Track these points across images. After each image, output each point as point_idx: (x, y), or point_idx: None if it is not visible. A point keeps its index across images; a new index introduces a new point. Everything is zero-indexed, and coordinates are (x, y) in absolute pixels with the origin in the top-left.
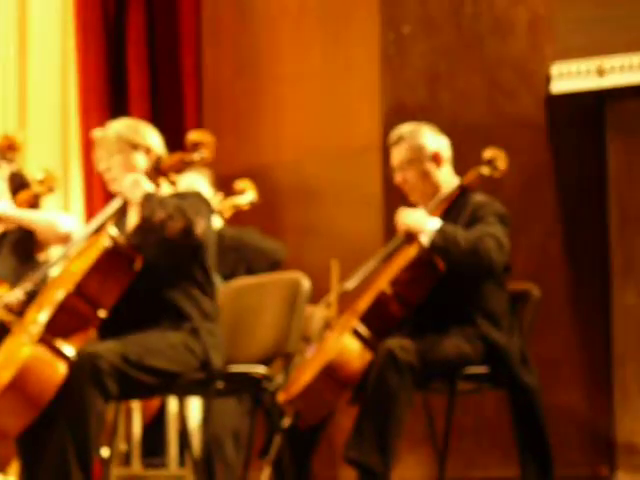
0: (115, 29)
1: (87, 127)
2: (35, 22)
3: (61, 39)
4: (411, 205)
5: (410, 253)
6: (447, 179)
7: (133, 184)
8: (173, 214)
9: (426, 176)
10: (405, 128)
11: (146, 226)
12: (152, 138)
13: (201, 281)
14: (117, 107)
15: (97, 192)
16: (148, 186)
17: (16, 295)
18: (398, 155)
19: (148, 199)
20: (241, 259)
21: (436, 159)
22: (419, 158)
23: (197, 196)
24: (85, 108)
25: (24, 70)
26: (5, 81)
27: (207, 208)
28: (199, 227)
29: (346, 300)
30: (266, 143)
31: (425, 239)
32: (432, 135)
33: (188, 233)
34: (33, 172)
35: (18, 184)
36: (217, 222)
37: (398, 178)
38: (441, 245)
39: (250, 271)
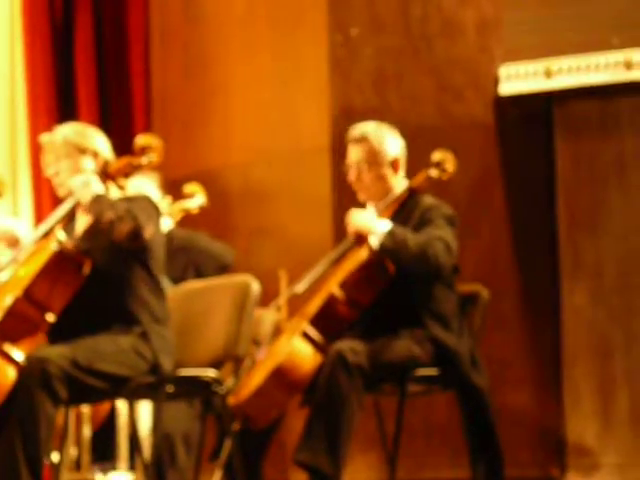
0: (63, 34)
1: (35, 132)
2: None
3: (9, 44)
4: (360, 206)
5: (360, 255)
6: (399, 182)
7: (83, 185)
8: (122, 216)
9: (381, 180)
10: (369, 128)
11: (95, 226)
12: (99, 142)
13: (150, 285)
14: (65, 112)
15: (46, 196)
16: (98, 187)
17: None
18: (357, 153)
19: (97, 200)
20: (190, 262)
21: (394, 165)
22: (378, 162)
23: (146, 200)
24: (33, 113)
25: None
26: None
27: (156, 212)
28: (147, 231)
29: (296, 303)
30: (215, 146)
31: (375, 241)
32: (394, 139)
33: (136, 236)
34: None
35: None
36: (167, 224)
37: (352, 175)
38: (390, 247)
39: (199, 274)
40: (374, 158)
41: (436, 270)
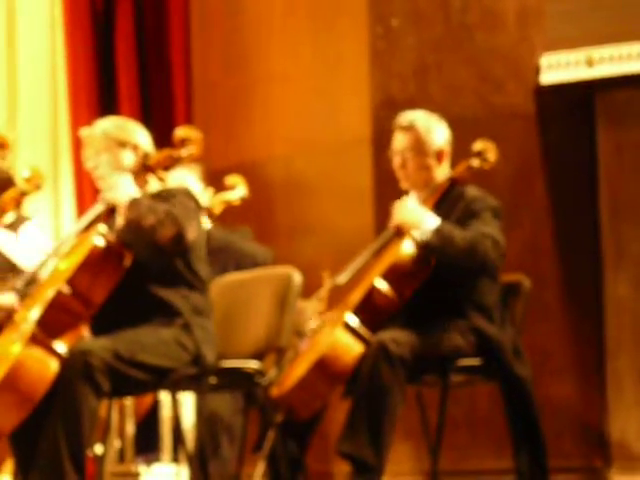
0: (104, 26)
1: (77, 125)
2: (23, 21)
3: (50, 37)
4: (401, 195)
5: (402, 247)
6: (442, 173)
7: (118, 186)
8: (163, 220)
9: (425, 169)
10: (418, 116)
11: (135, 230)
12: (139, 135)
13: (191, 277)
14: (107, 104)
15: (87, 189)
16: (133, 189)
17: (9, 298)
18: (404, 141)
19: (136, 203)
20: (230, 262)
21: (439, 156)
22: (424, 151)
23: (186, 195)
24: (75, 106)
25: (14, 69)
26: None
27: (196, 208)
28: (190, 233)
29: (337, 295)
30: (256, 138)
31: (420, 236)
32: (441, 130)
33: (179, 240)
34: (21, 170)
35: (3, 182)
36: (206, 222)
37: (397, 162)
38: (437, 245)
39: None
40: (420, 147)
41: (483, 267)
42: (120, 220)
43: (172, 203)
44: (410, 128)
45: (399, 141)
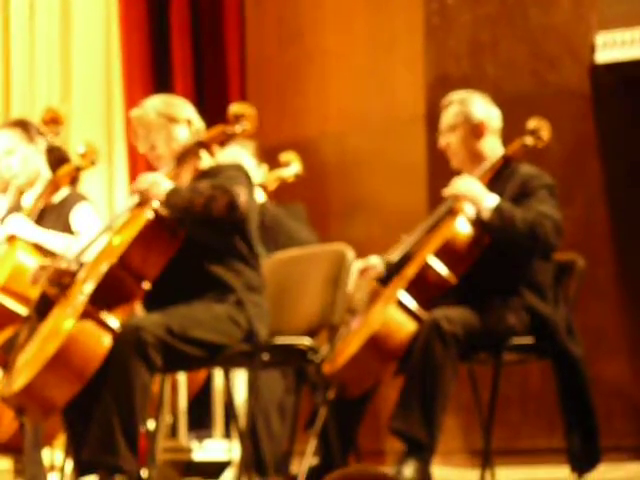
0: (158, 2)
1: (131, 101)
2: None
3: (104, 11)
4: (454, 172)
5: (456, 224)
6: (491, 149)
7: (152, 184)
8: (212, 194)
9: (467, 144)
10: (458, 94)
11: (189, 216)
12: (189, 111)
13: (245, 253)
14: (160, 80)
15: (141, 165)
16: (167, 183)
17: (68, 261)
18: (444, 119)
19: (176, 192)
20: (278, 241)
21: (479, 128)
22: (463, 125)
23: (236, 169)
24: (129, 81)
25: (67, 43)
26: (49, 54)
27: (246, 179)
28: (242, 198)
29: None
30: (311, 115)
31: (471, 210)
32: (482, 104)
33: (233, 206)
34: (75, 146)
35: (57, 158)
36: (260, 197)
37: (442, 142)
38: (497, 225)
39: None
40: (458, 121)
41: (544, 250)
42: None
43: (219, 177)
44: (449, 105)
45: (441, 121)
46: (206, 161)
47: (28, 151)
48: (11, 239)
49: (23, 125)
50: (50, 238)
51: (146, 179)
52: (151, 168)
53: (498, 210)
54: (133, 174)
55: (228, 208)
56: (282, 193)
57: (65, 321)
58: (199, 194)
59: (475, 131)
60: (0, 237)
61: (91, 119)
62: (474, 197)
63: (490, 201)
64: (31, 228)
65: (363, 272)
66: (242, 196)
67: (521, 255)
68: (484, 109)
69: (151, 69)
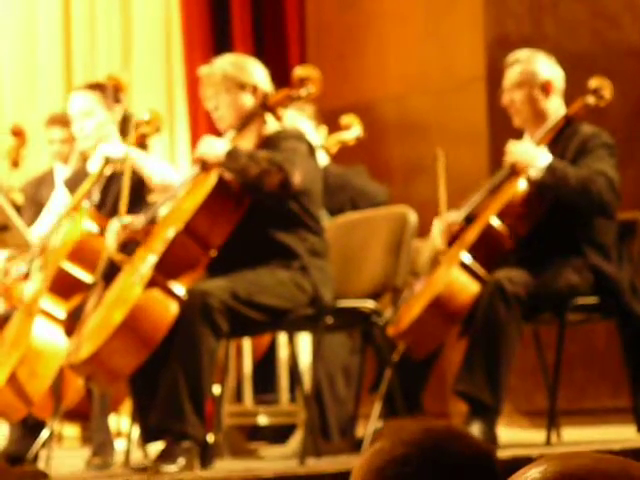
0: None
1: (191, 66)
2: None
3: None
4: (517, 136)
5: (517, 186)
6: (554, 109)
7: (210, 147)
8: (267, 168)
9: (533, 102)
10: (523, 52)
11: (241, 180)
12: (258, 75)
13: (308, 219)
14: (220, 45)
15: (203, 130)
16: (225, 145)
17: (139, 220)
18: (510, 77)
19: (234, 155)
20: (347, 199)
21: (546, 87)
22: (529, 83)
23: (298, 138)
24: (189, 47)
25: (127, 10)
26: (109, 22)
27: (306, 151)
28: (296, 177)
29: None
30: (370, 78)
31: (534, 174)
32: (548, 64)
33: (286, 185)
34: (140, 113)
35: (129, 126)
36: (323, 159)
37: (506, 99)
38: (550, 183)
39: (355, 210)
40: (524, 78)
41: (599, 207)
42: None
43: (281, 149)
44: (515, 62)
45: (506, 78)
46: (271, 125)
47: (104, 117)
48: (107, 164)
49: (102, 89)
50: (143, 158)
51: (206, 143)
52: (212, 132)
53: (551, 168)
54: (194, 140)
55: (280, 186)
56: (343, 156)
57: (132, 289)
58: (256, 164)
59: (541, 89)
60: (60, 204)
61: (152, 86)
62: (528, 160)
63: (543, 160)
64: (124, 149)
65: (447, 228)
66: (296, 177)
67: (579, 213)
68: (550, 69)
69: (211, 35)
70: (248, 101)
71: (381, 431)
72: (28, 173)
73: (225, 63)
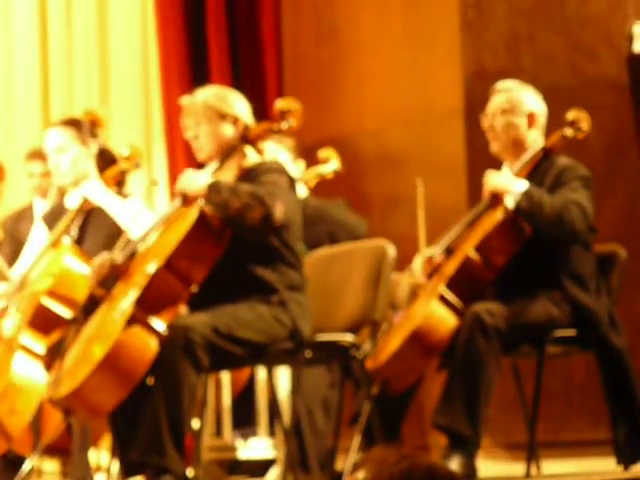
0: (195, 1)
1: (169, 101)
2: None
3: (141, 13)
4: (495, 167)
5: (496, 216)
6: (533, 141)
7: (191, 180)
8: (250, 202)
9: (514, 128)
10: (512, 82)
11: (222, 214)
12: (240, 107)
13: (287, 253)
14: (198, 79)
15: (181, 165)
16: (206, 178)
17: (119, 255)
18: (495, 102)
19: (215, 189)
20: (325, 232)
21: (530, 118)
22: (514, 110)
23: (279, 171)
24: (167, 81)
25: (105, 45)
26: (87, 57)
27: (287, 185)
28: (278, 212)
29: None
30: (348, 111)
31: (510, 201)
32: (535, 97)
33: (267, 220)
34: (118, 148)
35: (106, 161)
36: (302, 191)
37: (486, 124)
38: (526, 208)
39: (333, 244)
40: (509, 106)
41: (572, 236)
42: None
43: (261, 182)
44: (503, 90)
45: (490, 104)
46: (251, 158)
47: (79, 152)
48: (85, 203)
49: (77, 125)
50: (120, 207)
51: (187, 177)
52: (191, 166)
53: (528, 194)
54: (173, 174)
55: (261, 220)
56: (322, 189)
57: (113, 325)
58: (238, 198)
59: (526, 119)
60: (39, 240)
61: (130, 121)
62: (504, 186)
63: (519, 186)
64: (104, 193)
65: (427, 262)
66: (278, 211)
67: (557, 245)
68: (537, 102)
69: (188, 68)
70: (228, 131)
71: (363, 459)
72: (6, 208)
73: (207, 93)
